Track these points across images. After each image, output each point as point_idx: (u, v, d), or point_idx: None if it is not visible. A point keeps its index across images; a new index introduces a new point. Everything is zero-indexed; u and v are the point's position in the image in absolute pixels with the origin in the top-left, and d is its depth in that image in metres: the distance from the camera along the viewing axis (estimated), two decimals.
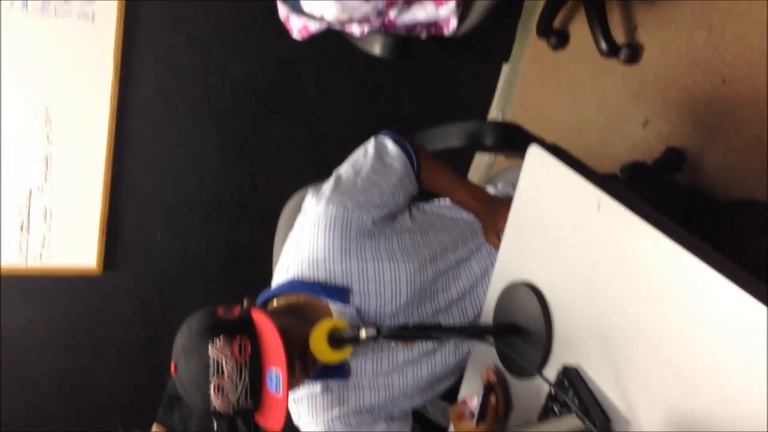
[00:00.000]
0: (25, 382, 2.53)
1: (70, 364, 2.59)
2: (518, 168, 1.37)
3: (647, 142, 2.28)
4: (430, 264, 1.53)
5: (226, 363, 1.20)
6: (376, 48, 2.05)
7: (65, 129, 2.29)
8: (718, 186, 2.01)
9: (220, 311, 1.28)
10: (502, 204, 1.55)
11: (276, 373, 1.21)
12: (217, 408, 1.22)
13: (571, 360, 1.19)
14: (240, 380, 1.20)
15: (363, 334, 1.20)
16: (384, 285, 1.47)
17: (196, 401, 1.24)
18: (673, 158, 2.10)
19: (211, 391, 1.20)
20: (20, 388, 2.53)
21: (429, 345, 1.54)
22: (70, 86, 2.25)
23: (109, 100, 2.29)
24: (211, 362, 1.20)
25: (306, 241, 1.46)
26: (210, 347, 1.21)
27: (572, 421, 1.01)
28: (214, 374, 1.20)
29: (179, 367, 1.25)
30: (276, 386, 1.21)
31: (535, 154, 1.31)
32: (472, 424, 1.35)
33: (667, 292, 1.01)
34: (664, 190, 1.81)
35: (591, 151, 2.47)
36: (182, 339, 1.26)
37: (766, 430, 0.85)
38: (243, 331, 1.23)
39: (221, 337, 1.21)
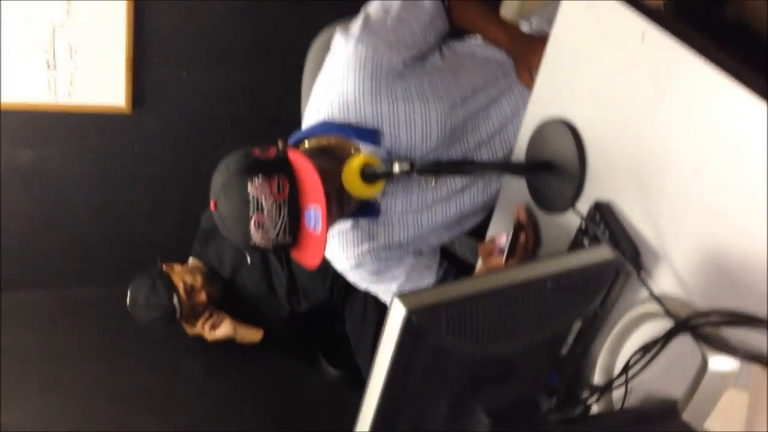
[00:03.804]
0: (62, 218, 2.60)
1: (105, 200, 2.64)
2: (553, 4, 1.31)
3: None
4: (461, 105, 1.51)
5: (265, 200, 1.22)
6: None
7: None
8: (766, 21, 1.91)
9: (257, 152, 1.29)
10: (537, 41, 1.51)
11: (315, 211, 1.23)
12: (257, 243, 1.25)
13: (604, 196, 1.19)
14: (279, 217, 1.23)
15: (396, 168, 1.21)
16: (414, 127, 1.46)
17: (236, 236, 1.27)
18: None
19: (252, 227, 1.23)
20: (57, 223, 2.60)
21: (458, 184, 1.55)
22: None
23: None
24: (250, 199, 1.22)
25: (336, 82, 1.44)
26: (249, 185, 1.22)
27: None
28: (254, 211, 1.22)
29: (219, 203, 1.27)
30: (315, 224, 1.24)
31: None
32: (501, 260, 1.38)
33: (708, 123, 0.99)
34: (710, 24, 1.72)
35: None
36: (221, 177, 1.27)
37: None
38: (281, 170, 1.25)
39: (260, 176, 1.23)
